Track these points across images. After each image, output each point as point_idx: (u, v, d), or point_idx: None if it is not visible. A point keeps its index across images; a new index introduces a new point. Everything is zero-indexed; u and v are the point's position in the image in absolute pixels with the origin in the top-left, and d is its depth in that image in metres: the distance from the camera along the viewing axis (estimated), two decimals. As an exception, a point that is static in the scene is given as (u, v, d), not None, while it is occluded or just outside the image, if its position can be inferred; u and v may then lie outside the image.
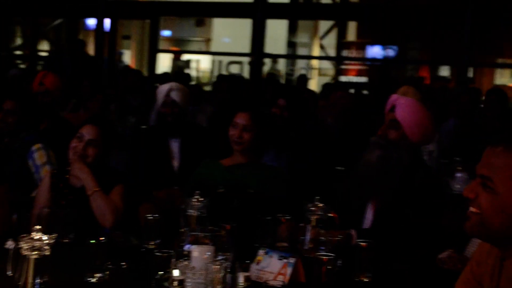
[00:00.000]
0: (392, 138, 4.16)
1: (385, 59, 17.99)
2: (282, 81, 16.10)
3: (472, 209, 2.32)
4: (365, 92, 12.50)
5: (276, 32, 15.88)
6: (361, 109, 8.02)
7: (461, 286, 2.61)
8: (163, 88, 5.65)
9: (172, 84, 5.76)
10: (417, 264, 3.70)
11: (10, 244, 3.04)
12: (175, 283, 3.04)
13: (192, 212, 3.57)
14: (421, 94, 6.17)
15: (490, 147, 2.33)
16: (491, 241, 2.37)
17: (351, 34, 19.00)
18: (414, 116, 4.18)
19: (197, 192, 3.64)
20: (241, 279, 3.14)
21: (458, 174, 5.71)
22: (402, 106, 4.21)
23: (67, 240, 3.71)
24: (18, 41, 17.84)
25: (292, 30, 17.33)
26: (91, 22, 16.95)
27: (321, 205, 3.77)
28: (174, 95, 5.53)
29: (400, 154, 4.15)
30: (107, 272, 2.92)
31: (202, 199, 3.61)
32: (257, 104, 6.48)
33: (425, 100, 5.66)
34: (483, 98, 8.50)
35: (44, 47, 17.66)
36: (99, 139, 4.30)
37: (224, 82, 8.12)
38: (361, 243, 3.39)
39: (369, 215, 4.20)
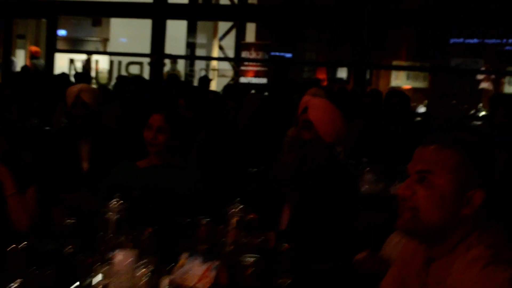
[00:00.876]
0: (306, 138, 4.20)
1: (283, 60, 18.21)
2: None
3: (407, 205, 2.33)
4: (265, 93, 12.55)
5: (176, 33, 15.82)
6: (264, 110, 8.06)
7: None
8: (73, 89, 5.55)
9: (83, 85, 5.68)
10: (336, 265, 3.74)
11: None
12: (99, 289, 3.01)
13: (111, 215, 3.51)
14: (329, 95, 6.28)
15: (422, 147, 2.37)
16: (423, 238, 2.38)
17: (250, 35, 19.12)
18: (327, 116, 4.23)
19: (116, 194, 3.59)
20: (164, 282, 3.12)
21: (366, 175, 5.82)
22: (315, 106, 4.26)
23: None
24: None
25: (192, 31, 17.30)
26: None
27: (240, 206, 3.78)
28: (85, 97, 5.44)
29: (315, 155, 4.20)
30: (28, 278, 2.84)
31: (121, 201, 3.56)
32: (169, 106, 6.44)
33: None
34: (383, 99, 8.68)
35: None
36: None
37: (130, 83, 8.04)
38: (281, 246, 3.39)
39: (285, 216, 4.23)
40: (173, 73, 15.18)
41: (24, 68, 14.66)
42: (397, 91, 9.79)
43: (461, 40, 17.80)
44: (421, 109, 14.95)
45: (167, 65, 15.99)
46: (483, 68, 17.80)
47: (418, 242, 2.44)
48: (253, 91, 10.40)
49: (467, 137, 2.34)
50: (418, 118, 12.79)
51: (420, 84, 18.51)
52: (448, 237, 2.31)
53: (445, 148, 2.32)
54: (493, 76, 17.75)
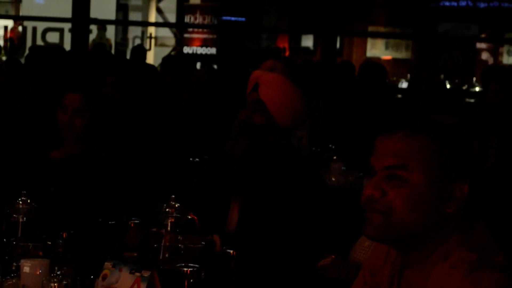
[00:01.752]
0: (257, 122, 4.22)
1: (237, 26, 18.22)
2: (112, 52, 16.01)
3: (376, 209, 2.34)
4: (214, 66, 12.58)
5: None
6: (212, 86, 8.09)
7: None
8: None
9: None
10: (295, 271, 3.77)
11: None
12: (3, 306, 3.01)
13: (17, 217, 3.51)
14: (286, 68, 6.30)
15: (386, 136, 2.36)
16: (397, 245, 2.40)
17: (195, -4, 19.16)
18: (282, 95, 4.24)
19: (23, 192, 3.58)
20: (83, 299, 3.14)
21: (333, 165, 5.86)
22: (267, 83, 4.26)
23: None
24: None
25: (123, -10, 17.27)
26: None
27: (177, 205, 3.80)
28: None
29: (267, 141, 4.22)
30: None
31: (29, 201, 3.56)
32: (90, 83, 6.43)
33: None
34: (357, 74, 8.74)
35: None
36: None
37: (46, 55, 7.99)
38: (228, 250, 3.42)
39: (233, 216, 4.25)
40: (100, 42, 15.13)
41: None
42: (373, 62, 9.87)
43: (450, 3, 17.96)
44: (403, 85, 15.07)
45: (93, 32, 15.92)
46: (480, 35, 18.00)
47: (391, 247, 2.46)
48: (199, 65, 10.42)
49: (439, 121, 2.35)
50: (399, 95, 12.90)
51: (401, 54, 18.68)
52: (427, 241, 2.32)
53: (414, 136, 2.32)
54: (489, 45, 17.94)
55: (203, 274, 3.14)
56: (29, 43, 16.87)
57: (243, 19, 18.74)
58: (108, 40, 16.84)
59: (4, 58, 14.48)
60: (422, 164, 2.28)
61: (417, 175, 2.28)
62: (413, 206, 2.28)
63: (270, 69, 4.76)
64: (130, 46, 16.22)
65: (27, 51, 13.86)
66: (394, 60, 18.08)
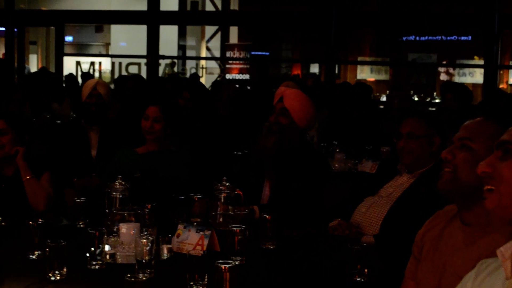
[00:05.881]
0: (283, 123, 4.23)
1: (263, 58, 18.21)
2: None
3: (446, 168, 2.29)
4: (248, 87, 12.56)
5: (168, 36, 15.77)
6: (247, 101, 8.08)
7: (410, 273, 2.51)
8: (90, 82, 5.56)
9: (99, 80, 5.72)
10: (312, 231, 3.77)
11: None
12: (107, 257, 3.03)
13: (116, 194, 3.53)
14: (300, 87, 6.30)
15: (469, 120, 2.34)
16: (460, 197, 2.28)
17: (233, 37, 19.09)
18: (300, 104, 4.27)
19: (119, 176, 3.60)
20: (164, 250, 3.15)
21: (337, 155, 5.85)
22: (290, 96, 4.29)
23: (4, 224, 3.63)
24: None
25: (182, 34, 17.24)
26: (1, 29, 16.42)
27: (228, 184, 3.82)
28: (100, 89, 5.43)
29: (290, 138, 4.23)
30: (46, 250, 2.86)
31: (124, 182, 3.58)
32: (164, 98, 6.45)
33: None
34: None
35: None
36: (8, 129, 4.16)
37: (129, 81, 8.03)
38: (266, 216, 3.42)
39: (266, 192, 4.26)
40: (174, 73, 15.22)
41: (43, 69, 14.56)
42: (361, 83, 9.83)
43: (414, 37, 17.85)
44: (383, 98, 14.98)
45: (162, 65, 15.93)
46: (439, 62, 17.88)
47: (456, 204, 2.34)
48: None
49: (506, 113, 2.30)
50: (381, 106, 12.83)
51: (382, 76, 18.55)
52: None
53: (486, 121, 2.30)
54: (445, 68, 17.82)
55: (247, 233, 3.15)
56: (116, 74, 16.91)
57: (268, 53, 18.72)
58: (173, 70, 16.84)
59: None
60: (484, 139, 2.25)
61: (477, 145, 2.26)
62: (471, 165, 2.19)
63: (286, 86, 4.78)
64: (188, 74, 16.22)
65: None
66: (376, 81, 17.98)
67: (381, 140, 6.24)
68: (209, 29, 18.90)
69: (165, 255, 3.13)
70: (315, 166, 4.20)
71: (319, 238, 3.67)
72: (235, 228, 3.12)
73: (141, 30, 14.37)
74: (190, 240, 3.19)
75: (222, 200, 3.72)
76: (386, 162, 4.65)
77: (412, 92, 15.80)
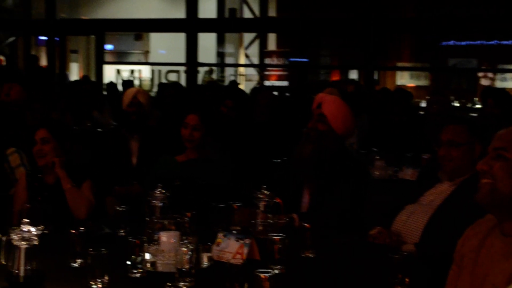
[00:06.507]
0: (321, 129, 4.22)
1: (301, 65, 18.18)
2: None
3: (484, 180, 2.28)
4: (287, 94, 12.56)
5: (207, 44, 15.86)
6: (285, 108, 8.07)
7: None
8: (131, 91, 5.61)
9: (139, 88, 5.77)
10: (352, 239, 3.75)
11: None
12: (148, 265, 3.05)
13: (156, 202, 3.56)
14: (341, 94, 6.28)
15: (504, 129, 2.32)
16: (499, 209, 2.28)
17: (272, 44, 19.11)
18: (339, 111, 4.26)
19: (159, 185, 3.63)
20: (204, 259, 3.15)
21: (376, 163, 5.81)
22: (329, 102, 4.28)
23: (46, 231, 3.67)
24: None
25: (220, 41, 17.33)
26: (43, 38, 16.68)
27: (267, 192, 3.81)
28: (141, 97, 5.48)
29: (328, 145, 4.21)
30: (88, 258, 2.89)
31: (164, 191, 3.60)
32: (203, 106, 6.47)
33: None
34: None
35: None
36: (50, 137, 4.22)
37: (169, 89, 8.08)
38: (305, 224, 3.41)
39: (305, 199, 4.25)
40: (213, 80, 15.29)
41: (85, 78, 14.74)
42: (401, 89, 9.75)
43: (454, 42, 17.67)
44: (423, 104, 14.84)
45: (201, 72, 16.02)
46: (479, 67, 17.68)
47: (495, 216, 2.32)
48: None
49: None
50: (421, 112, 12.71)
51: (422, 82, 18.37)
52: None
53: None
54: (486, 73, 17.61)
55: (287, 241, 3.14)
56: (156, 81, 17.04)
57: (307, 60, 18.68)
58: (211, 77, 16.92)
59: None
60: None
61: None
62: (509, 175, 2.21)
63: (329, 93, 4.77)
64: (226, 81, 16.27)
65: (155, 87, 14.05)
66: (416, 87, 17.82)
67: (422, 147, 6.18)
68: (248, 36, 18.94)
69: (205, 263, 3.14)
70: (355, 174, 4.18)
71: (359, 247, 3.64)
72: (274, 237, 3.11)
73: (180, 38, 14.48)
74: (230, 248, 3.19)
75: (262, 209, 3.72)
76: (426, 169, 4.60)
77: (452, 97, 15.64)
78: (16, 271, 2.69)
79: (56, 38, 15.31)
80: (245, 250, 3.15)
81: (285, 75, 17.66)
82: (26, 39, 16.10)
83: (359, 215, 4.11)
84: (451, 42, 17.73)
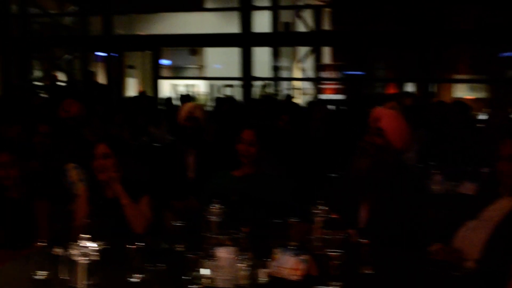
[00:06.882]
0: (378, 143, 4.19)
1: (356, 78, 18.06)
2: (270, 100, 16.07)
3: None
4: (343, 107, 12.50)
5: (261, 58, 15.91)
6: (341, 121, 8.03)
7: None
8: (187, 106, 5.67)
9: (195, 103, 5.84)
10: (412, 255, 3.70)
11: (58, 251, 3.05)
12: (206, 281, 3.06)
13: (213, 218, 3.57)
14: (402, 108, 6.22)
15: None
16: None
17: (326, 57, 19.07)
18: (396, 125, 4.23)
19: (215, 200, 3.64)
20: (261, 274, 3.15)
21: (435, 177, 5.73)
22: (386, 117, 4.26)
23: (105, 246, 3.71)
24: (37, 73, 17.80)
25: (275, 55, 17.36)
26: (100, 54, 16.96)
27: (324, 207, 3.79)
28: (197, 112, 5.53)
29: (386, 159, 4.18)
30: (146, 273, 2.91)
31: (221, 206, 3.61)
32: (258, 121, 6.49)
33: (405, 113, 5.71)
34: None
35: (59, 78, 17.65)
36: (110, 153, 4.28)
37: (223, 103, 8.13)
38: (362, 240, 3.38)
39: (363, 214, 4.21)
40: (268, 94, 15.34)
41: (141, 94, 14.93)
42: (459, 101, 9.60)
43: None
44: (482, 117, 14.60)
45: (256, 86, 16.06)
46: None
47: None
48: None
49: None
50: (480, 125, 12.51)
51: (481, 94, 18.11)
52: None
53: None
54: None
55: (344, 257, 3.12)
56: (212, 95, 17.16)
57: (363, 73, 18.58)
58: (266, 91, 16.94)
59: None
60: None
61: None
62: None
63: (391, 107, 4.74)
64: (281, 95, 16.27)
65: (210, 101, 14.12)
66: (476, 99, 17.57)
67: (481, 161, 6.08)
68: (302, 50, 18.94)
69: (262, 279, 3.13)
70: (412, 188, 4.13)
71: (419, 263, 3.58)
72: (331, 253, 3.10)
73: (235, 52, 14.57)
74: (287, 264, 3.19)
75: (319, 224, 3.70)
76: (486, 184, 4.51)
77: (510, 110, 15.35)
78: (76, 286, 2.73)
79: (113, 54, 15.57)
80: (302, 266, 3.14)
81: (340, 89, 17.59)
82: (84, 55, 16.40)
83: (418, 230, 4.06)
84: (510, 54, 17.42)
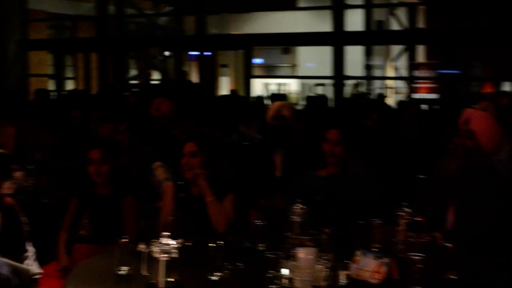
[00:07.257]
0: (468, 146, 4.09)
1: (452, 77, 17.71)
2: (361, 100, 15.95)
3: None
4: (436, 107, 12.27)
5: (354, 57, 15.79)
6: (434, 122, 7.87)
7: None
8: (275, 105, 5.69)
9: (284, 102, 5.85)
10: (498, 261, 3.59)
11: (142, 248, 3.11)
12: (285, 281, 3.06)
13: (295, 218, 3.57)
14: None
15: None
16: None
17: (420, 56, 18.77)
18: (488, 128, 4.11)
19: (299, 200, 3.63)
20: (342, 276, 3.12)
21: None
22: (477, 118, 4.15)
23: (187, 244, 3.76)
24: (133, 72, 18.24)
25: (368, 54, 17.20)
26: (194, 53, 17.22)
27: (409, 210, 3.73)
28: (285, 111, 5.54)
29: (476, 162, 4.07)
30: (226, 271, 2.93)
31: (304, 206, 3.60)
32: (345, 121, 6.44)
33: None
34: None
35: (154, 76, 18.03)
36: (198, 151, 4.33)
37: (314, 102, 8.11)
38: (447, 245, 3.30)
39: (450, 217, 4.11)
40: (359, 93, 15.23)
41: (233, 93, 15.08)
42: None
43: None
44: None
45: (348, 85, 15.97)
46: None
47: None
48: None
49: None
50: None
51: None
52: None
53: None
54: None
55: (428, 261, 3.06)
56: (304, 94, 17.15)
57: (458, 71, 18.19)
58: (358, 91, 16.83)
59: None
60: None
61: None
62: None
63: (484, 107, 4.62)
64: (373, 94, 16.11)
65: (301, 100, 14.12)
66: None
67: None
68: (395, 48, 18.71)
69: (342, 281, 3.11)
70: (503, 191, 4.01)
71: (506, 270, 3.47)
72: (415, 256, 3.04)
73: (327, 51, 14.51)
74: (368, 267, 3.15)
75: (403, 227, 3.63)
76: None
77: None
78: (156, 283, 2.78)
79: (206, 53, 15.77)
80: (384, 269, 3.10)
81: (434, 88, 17.27)
82: (177, 55, 16.68)
83: (506, 236, 3.93)
84: None
